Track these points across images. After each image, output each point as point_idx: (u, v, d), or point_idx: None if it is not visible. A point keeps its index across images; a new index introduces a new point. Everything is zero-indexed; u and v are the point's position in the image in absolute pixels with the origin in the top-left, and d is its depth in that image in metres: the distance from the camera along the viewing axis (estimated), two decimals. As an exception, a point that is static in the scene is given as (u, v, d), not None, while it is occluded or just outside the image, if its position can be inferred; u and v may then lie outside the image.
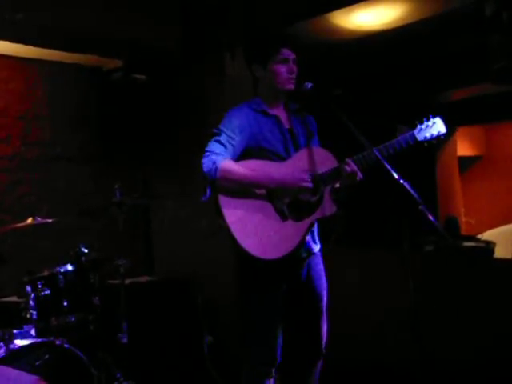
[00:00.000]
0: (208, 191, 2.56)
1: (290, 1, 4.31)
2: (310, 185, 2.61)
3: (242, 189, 2.58)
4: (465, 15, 4.41)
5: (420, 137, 2.72)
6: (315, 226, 2.81)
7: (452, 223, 6.73)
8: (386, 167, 2.41)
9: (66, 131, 5.05)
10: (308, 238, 2.74)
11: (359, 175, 2.65)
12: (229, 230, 2.54)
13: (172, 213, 5.11)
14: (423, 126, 2.73)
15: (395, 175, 2.35)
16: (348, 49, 5.06)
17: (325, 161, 2.71)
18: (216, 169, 2.51)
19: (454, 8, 4.33)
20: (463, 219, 8.13)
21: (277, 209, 2.63)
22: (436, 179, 7.86)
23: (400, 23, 4.57)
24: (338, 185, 2.74)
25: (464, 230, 7.62)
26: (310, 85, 2.71)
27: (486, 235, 5.48)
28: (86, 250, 3.54)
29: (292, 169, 2.67)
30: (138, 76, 5.13)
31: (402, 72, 5.69)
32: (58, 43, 4.50)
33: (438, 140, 2.76)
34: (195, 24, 4.76)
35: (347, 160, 2.64)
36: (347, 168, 2.62)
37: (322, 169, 2.68)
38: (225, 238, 2.59)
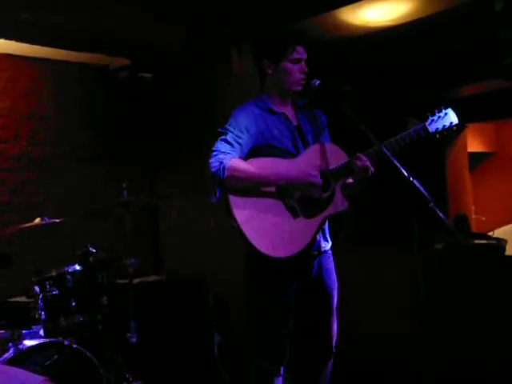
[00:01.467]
0: (218, 192, 2.54)
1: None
2: (318, 179, 2.57)
3: (251, 187, 2.55)
4: (474, 11, 4.37)
5: (432, 128, 2.64)
6: (326, 223, 2.77)
7: (462, 221, 6.68)
8: (395, 164, 2.36)
9: (72, 130, 5.05)
10: (319, 236, 2.71)
11: (371, 169, 2.60)
12: (240, 230, 2.51)
13: (180, 212, 5.09)
14: (435, 118, 2.65)
15: (405, 173, 2.31)
16: (356, 45, 5.03)
17: (335, 156, 2.67)
18: (224, 168, 2.48)
19: (463, 3, 4.29)
20: (473, 216, 8.08)
21: (287, 206, 2.59)
22: (446, 176, 7.81)
23: (408, 19, 4.55)
24: (350, 180, 2.71)
25: (475, 228, 7.57)
26: (317, 82, 2.67)
27: (498, 232, 5.43)
28: (93, 250, 3.54)
29: (302, 165, 2.63)
30: (144, 75, 5.12)
31: (411, 68, 5.66)
32: (63, 42, 4.51)
33: (451, 131, 2.68)
34: (201, 22, 4.74)
35: (358, 155, 2.60)
36: (358, 163, 2.58)
37: (332, 164, 2.65)
38: (234, 236, 2.56)
